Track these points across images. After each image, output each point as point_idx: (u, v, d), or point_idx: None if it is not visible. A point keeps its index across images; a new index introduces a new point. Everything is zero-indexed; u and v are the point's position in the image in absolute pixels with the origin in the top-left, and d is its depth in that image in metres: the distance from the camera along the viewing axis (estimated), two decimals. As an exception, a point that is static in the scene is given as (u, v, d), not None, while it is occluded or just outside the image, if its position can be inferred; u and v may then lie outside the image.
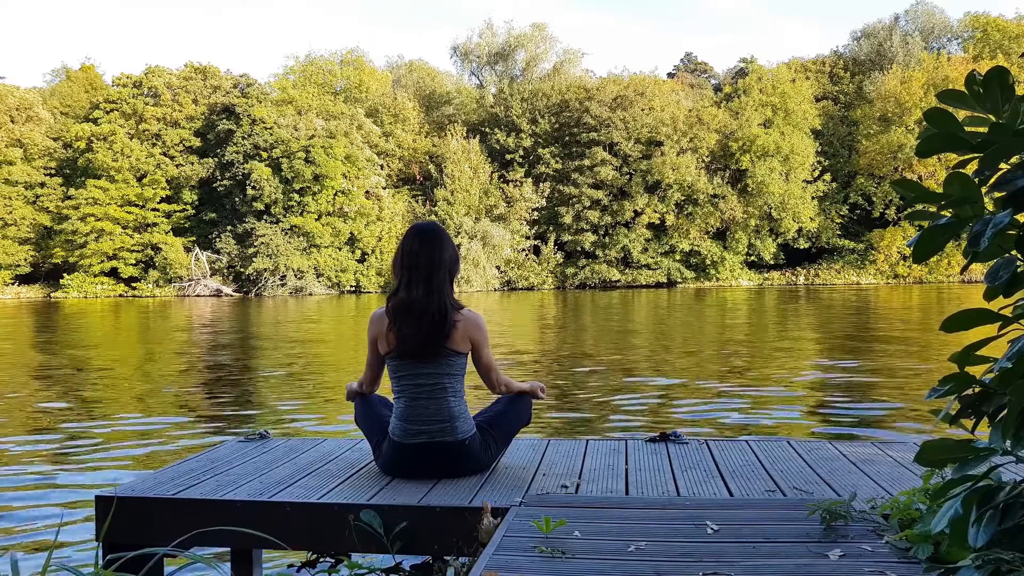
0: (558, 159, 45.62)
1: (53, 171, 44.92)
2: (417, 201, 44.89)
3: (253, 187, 41.14)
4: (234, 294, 41.15)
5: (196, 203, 44.40)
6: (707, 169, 45.43)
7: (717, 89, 52.49)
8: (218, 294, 40.94)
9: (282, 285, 40.93)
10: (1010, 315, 1.44)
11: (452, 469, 2.96)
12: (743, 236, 45.16)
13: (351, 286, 42.56)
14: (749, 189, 44.55)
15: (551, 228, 45.20)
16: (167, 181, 43.81)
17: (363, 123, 44.76)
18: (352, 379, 3.47)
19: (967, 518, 1.49)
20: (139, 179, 43.65)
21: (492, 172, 44.91)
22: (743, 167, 44.63)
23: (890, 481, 2.80)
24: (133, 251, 43.01)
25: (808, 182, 45.45)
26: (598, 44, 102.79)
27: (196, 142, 44.60)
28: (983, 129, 1.40)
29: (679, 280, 44.84)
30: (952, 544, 1.72)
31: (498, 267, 43.36)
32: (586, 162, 44.59)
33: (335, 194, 42.01)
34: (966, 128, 1.42)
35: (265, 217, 41.53)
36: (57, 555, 3.41)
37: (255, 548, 2.99)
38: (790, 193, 44.33)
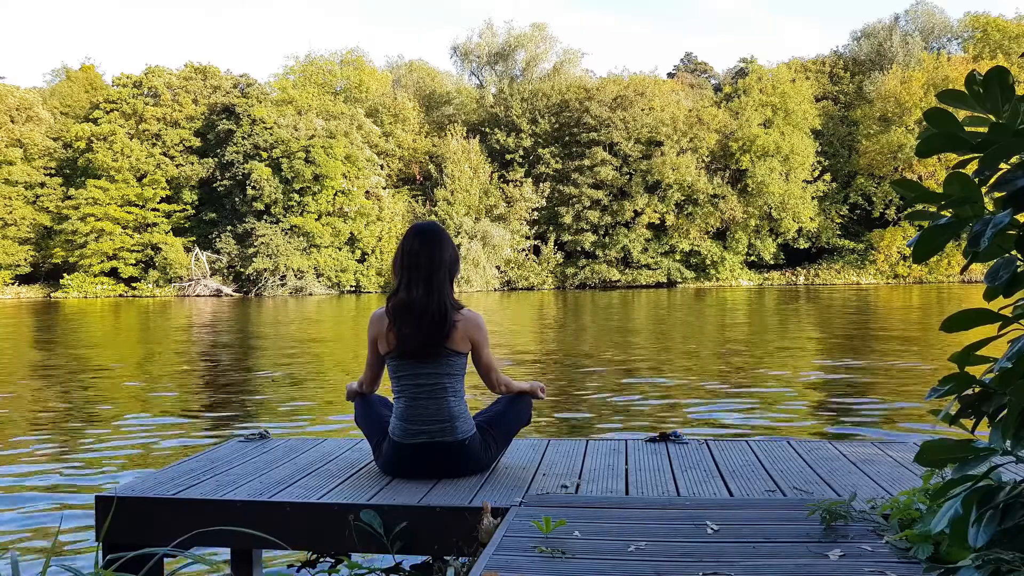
0: (558, 159, 45.62)
1: (53, 171, 44.93)
2: (417, 201, 44.90)
3: (253, 187, 41.15)
4: (234, 294, 41.15)
5: (196, 203, 44.41)
6: (707, 169, 45.43)
7: (717, 89, 52.49)
8: (218, 294, 40.94)
9: (282, 285, 40.94)
10: (1010, 315, 1.44)
11: (452, 469, 2.96)
12: (743, 236, 45.16)
13: (351, 286, 42.56)
14: (749, 189, 44.56)
15: (551, 228, 45.21)
16: (167, 181, 43.83)
17: (363, 123, 44.77)
18: (352, 379, 3.46)
19: (967, 518, 1.49)
20: (139, 179, 43.67)
21: (492, 172, 44.91)
22: (743, 167, 44.64)
23: (890, 481, 2.80)
24: (133, 251, 43.02)
25: (808, 182, 45.45)
26: (598, 44, 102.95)
27: (196, 142, 44.61)
28: (983, 129, 1.40)
29: (679, 280, 44.84)
30: (952, 544, 1.72)
31: (498, 267, 43.36)
32: (586, 162, 44.60)
33: (335, 194, 42.01)
34: (966, 128, 1.42)
35: (265, 217, 41.54)
36: (57, 555, 3.41)
37: (255, 548, 2.99)
38: (790, 193, 44.34)
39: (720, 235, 45.83)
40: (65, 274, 43.17)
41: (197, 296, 40.30)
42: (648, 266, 44.87)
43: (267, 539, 2.57)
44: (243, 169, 41.50)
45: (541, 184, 45.12)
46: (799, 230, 45.27)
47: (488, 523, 2.42)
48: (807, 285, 42.77)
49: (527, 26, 51.50)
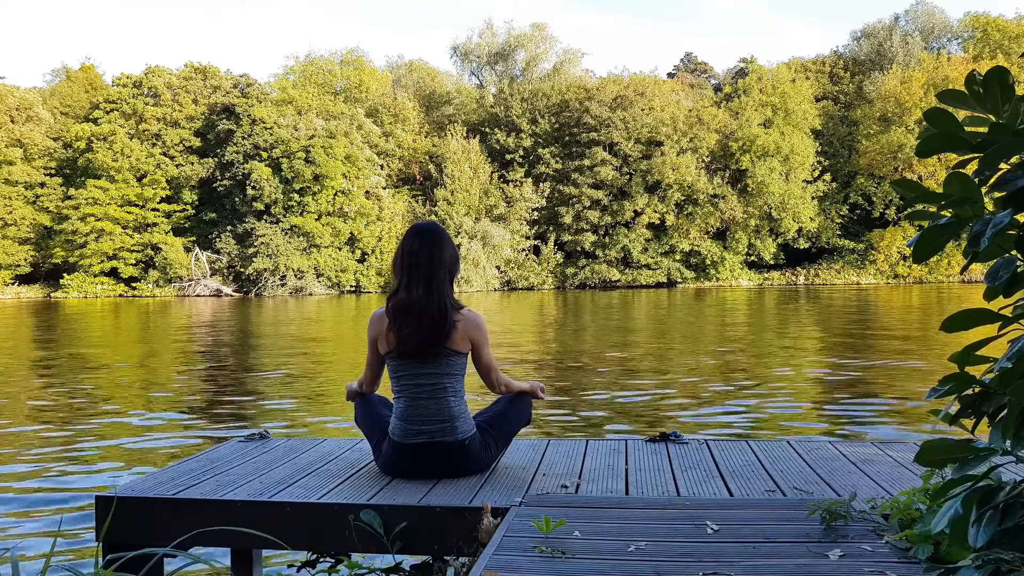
0: (558, 159, 45.62)
1: (53, 171, 44.94)
2: (417, 201, 44.90)
3: (253, 187, 41.16)
4: (234, 294, 41.15)
5: (196, 203, 44.41)
6: (707, 169, 45.44)
7: (717, 89, 52.49)
8: (218, 294, 40.94)
9: (282, 285, 40.94)
10: (1010, 315, 1.44)
11: (452, 469, 2.95)
12: (743, 236, 45.17)
13: (351, 286, 42.56)
14: (749, 189, 44.56)
15: (551, 228, 45.21)
16: (167, 181, 43.83)
17: (363, 123, 44.77)
18: (352, 379, 3.47)
19: (967, 518, 1.49)
20: (139, 179, 43.67)
21: (492, 172, 44.91)
22: (743, 167, 44.63)
23: (890, 481, 2.80)
24: (133, 251, 43.03)
25: (808, 182, 45.46)
26: (598, 44, 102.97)
27: (196, 142, 44.61)
28: (983, 129, 1.40)
29: (679, 280, 44.84)
30: (952, 544, 1.72)
31: (498, 267, 43.35)
32: (586, 162, 44.60)
33: (335, 194, 42.02)
34: (966, 128, 1.41)
35: (265, 217, 41.54)
36: (57, 555, 3.41)
37: (255, 548, 2.99)
38: (790, 193, 44.34)
39: (720, 235, 45.84)
40: (65, 274, 43.18)
41: (197, 296, 40.30)
42: (648, 266, 44.87)
43: (267, 539, 2.57)
44: (243, 169, 41.50)
45: (541, 184, 45.12)
46: (799, 230, 45.27)
47: (488, 523, 2.42)
48: (807, 285, 42.78)
49: (527, 26, 51.57)
